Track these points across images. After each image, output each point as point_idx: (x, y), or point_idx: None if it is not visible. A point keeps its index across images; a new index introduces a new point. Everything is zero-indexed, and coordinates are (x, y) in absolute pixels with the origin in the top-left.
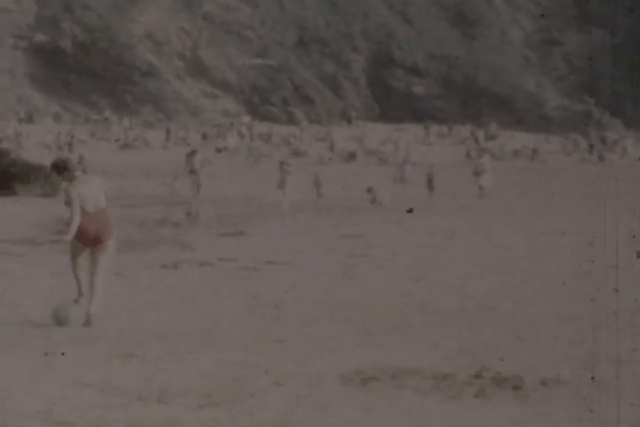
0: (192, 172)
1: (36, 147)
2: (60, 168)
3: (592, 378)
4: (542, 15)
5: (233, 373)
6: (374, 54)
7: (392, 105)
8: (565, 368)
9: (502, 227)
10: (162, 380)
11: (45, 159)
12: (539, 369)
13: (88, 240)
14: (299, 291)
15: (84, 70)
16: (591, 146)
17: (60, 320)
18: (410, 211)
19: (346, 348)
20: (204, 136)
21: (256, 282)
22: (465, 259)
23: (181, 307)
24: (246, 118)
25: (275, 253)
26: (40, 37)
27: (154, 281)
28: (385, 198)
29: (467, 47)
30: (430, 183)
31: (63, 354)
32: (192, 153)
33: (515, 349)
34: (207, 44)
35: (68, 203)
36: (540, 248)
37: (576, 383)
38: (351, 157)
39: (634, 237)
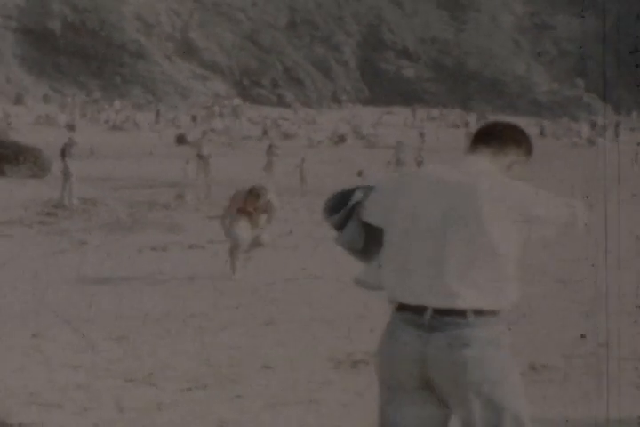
0: (199, 156)
1: (25, 127)
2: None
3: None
4: None
5: (222, 355)
6: (365, 37)
7: (382, 88)
8: (554, 353)
9: None
10: (150, 362)
11: (40, 140)
12: (528, 354)
13: None
14: (287, 273)
15: (74, 51)
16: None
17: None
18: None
19: (336, 331)
20: (194, 118)
21: (245, 264)
22: None
23: (171, 290)
24: (236, 101)
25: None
26: (29, 18)
27: (144, 263)
28: None
29: (457, 31)
30: (419, 166)
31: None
32: (201, 137)
33: None
34: (197, 26)
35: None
36: None
37: (565, 368)
38: (341, 139)
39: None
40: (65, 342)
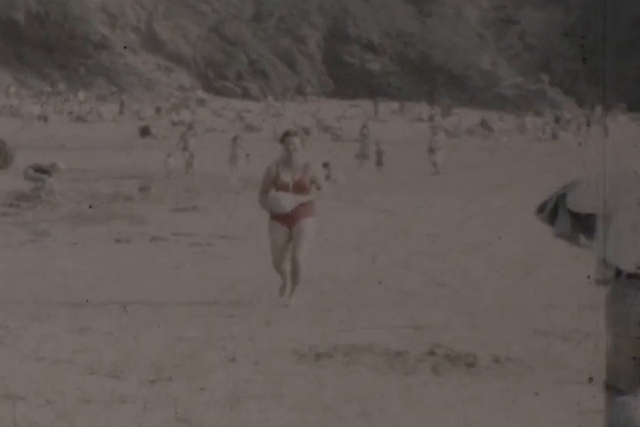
0: (184, 149)
1: None
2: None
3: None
4: None
5: (186, 348)
6: (330, 30)
7: (347, 81)
8: (517, 346)
9: (454, 203)
10: (114, 354)
11: (3, 131)
12: (491, 347)
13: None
14: (252, 266)
15: (38, 42)
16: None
17: None
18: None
19: (299, 324)
20: (158, 110)
21: (209, 257)
22: (417, 236)
23: (135, 282)
24: (200, 93)
25: (228, 227)
26: None
27: (107, 255)
28: (340, 175)
29: (422, 24)
30: (380, 159)
31: None
32: (187, 129)
33: (467, 326)
34: (162, 18)
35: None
36: (492, 224)
37: (528, 360)
38: (305, 132)
39: None
40: (28, 333)
